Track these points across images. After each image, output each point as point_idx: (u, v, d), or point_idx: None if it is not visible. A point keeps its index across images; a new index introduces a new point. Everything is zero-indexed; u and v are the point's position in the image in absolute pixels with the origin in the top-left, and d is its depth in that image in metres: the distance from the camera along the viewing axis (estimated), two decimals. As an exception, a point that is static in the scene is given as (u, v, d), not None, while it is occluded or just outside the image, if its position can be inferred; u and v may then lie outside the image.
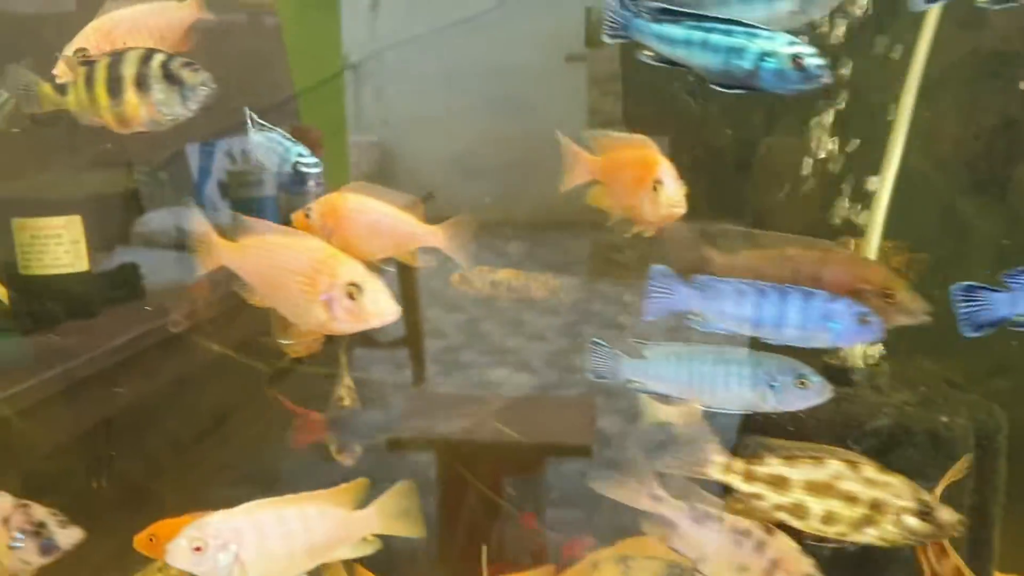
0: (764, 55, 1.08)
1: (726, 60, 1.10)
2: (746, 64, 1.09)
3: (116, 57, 1.13)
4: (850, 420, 1.55)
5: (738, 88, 1.12)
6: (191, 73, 1.13)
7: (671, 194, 1.31)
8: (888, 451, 1.54)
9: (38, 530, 1.22)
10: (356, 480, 1.30)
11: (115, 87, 1.13)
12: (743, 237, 1.31)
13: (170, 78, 1.12)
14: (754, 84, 1.10)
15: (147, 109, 1.12)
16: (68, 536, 1.23)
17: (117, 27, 1.25)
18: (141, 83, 1.12)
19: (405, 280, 3.38)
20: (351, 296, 1.08)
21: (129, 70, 1.11)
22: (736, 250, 1.30)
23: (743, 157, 2.28)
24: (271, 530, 1.19)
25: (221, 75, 2.88)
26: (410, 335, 3.46)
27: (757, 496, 1.23)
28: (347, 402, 1.65)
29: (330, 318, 1.08)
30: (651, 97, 2.09)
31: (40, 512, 1.24)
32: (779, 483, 1.22)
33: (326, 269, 1.09)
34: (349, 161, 3.91)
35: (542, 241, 5.76)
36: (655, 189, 1.30)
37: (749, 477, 1.23)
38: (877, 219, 1.64)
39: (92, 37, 1.23)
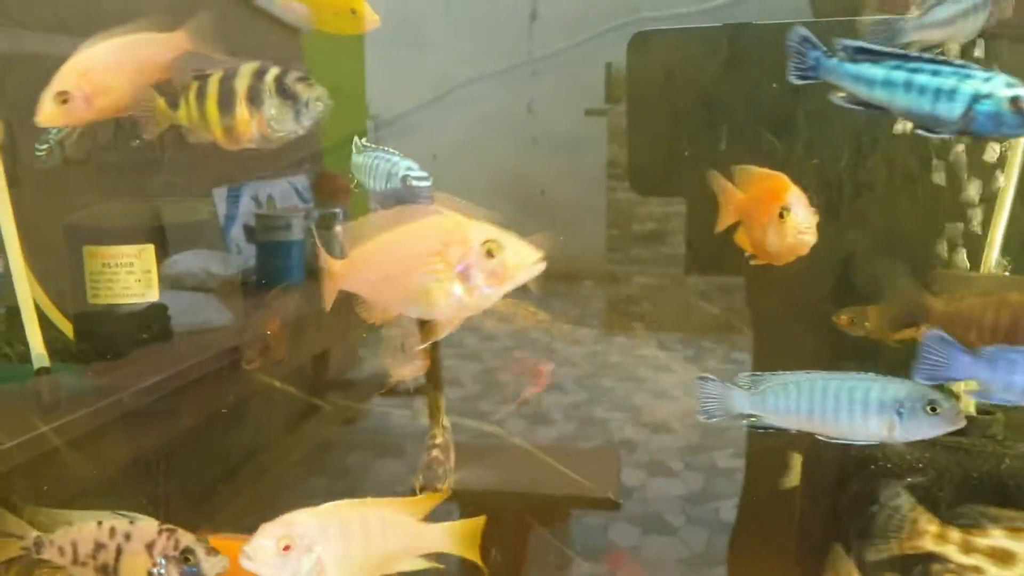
0: (978, 97, 1.02)
1: (934, 103, 1.04)
2: (958, 107, 1.03)
3: (230, 71, 1.11)
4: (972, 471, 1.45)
5: (945, 132, 1.06)
6: (305, 87, 1.10)
7: (800, 221, 1.21)
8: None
9: (185, 556, 1.17)
10: (430, 494, 1.25)
11: (227, 101, 1.11)
12: (961, 282, 1.22)
13: (284, 93, 1.10)
14: (966, 128, 1.04)
15: (258, 125, 1.09)
16: (214, 564, 1.18)
17: (95, 66, 1.18)
18: (253, 98, 1.09)
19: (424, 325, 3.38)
20: (491, 254, 0.99)
21: (242, 84, 1.09)
22: (957, 296, 1.20)
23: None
24: (354, 532, 1.13)
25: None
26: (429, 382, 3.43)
27: (977, 570, 1.13)
28: (439, 440, 1.60)
29: (470, 289, 1.00)
30: (660, 153, 2.03)
31: (187, 538, 1.18)
32: (1003, 557, 1.13)
33: (456, 237, 1.01)
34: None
35: (556, 292, 5.77)
36: (782, 216, 1.22)
37: (967, 548, 1.14)
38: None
39: (70, 78, 1.16)
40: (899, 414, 1.07)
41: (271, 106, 1.08)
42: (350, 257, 1.10)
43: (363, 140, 1.20)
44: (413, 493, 1.56)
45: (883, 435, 1.10)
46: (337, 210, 2.65)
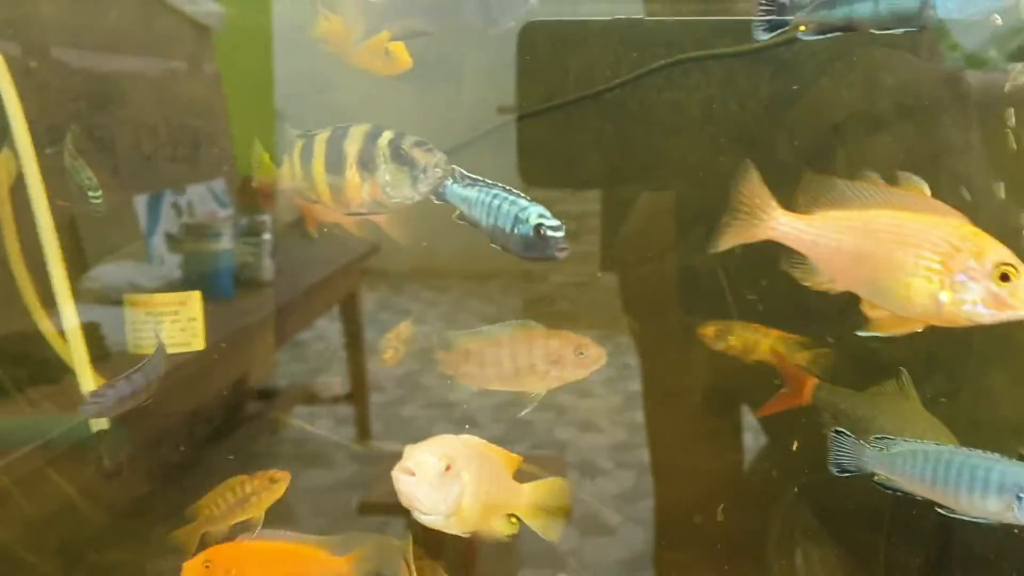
0: None
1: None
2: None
3: (339, 131, 1.06)
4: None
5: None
6: (423, 153, 1.05)
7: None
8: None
9: None
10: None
11: (335, 164, 1.06)
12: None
13: (400, 158, 1.05)
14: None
15: (371, 189, 1.05)
16: None
17: None
18: (366, 162, 1.05)
19: (349, 331, 3.33)
20: (1005, 278, 0.91)
21: (353, 147, 1.04)
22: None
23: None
24: (484, 471, 1.15)
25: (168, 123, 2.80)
26: (355, 390, 3.39)
27: None
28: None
29: (958, 302, 0.94)
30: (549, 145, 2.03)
31: None
32: None
33: (971, 245, 0.93)
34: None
35: (473, 292, 5.77)
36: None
37: None
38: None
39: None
40: (1019, 498, 1.07)
41: (385, 172, 1.04)
42: (818, 215, 1.05)
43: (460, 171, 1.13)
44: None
45: (1002, 515, 1.09)
46: (265, 217, 2.58)
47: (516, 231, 1.04)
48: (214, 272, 2.40)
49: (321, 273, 2.85)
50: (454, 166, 1.08)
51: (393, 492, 2.20)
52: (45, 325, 1.50)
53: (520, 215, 1.04)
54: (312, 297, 2.73)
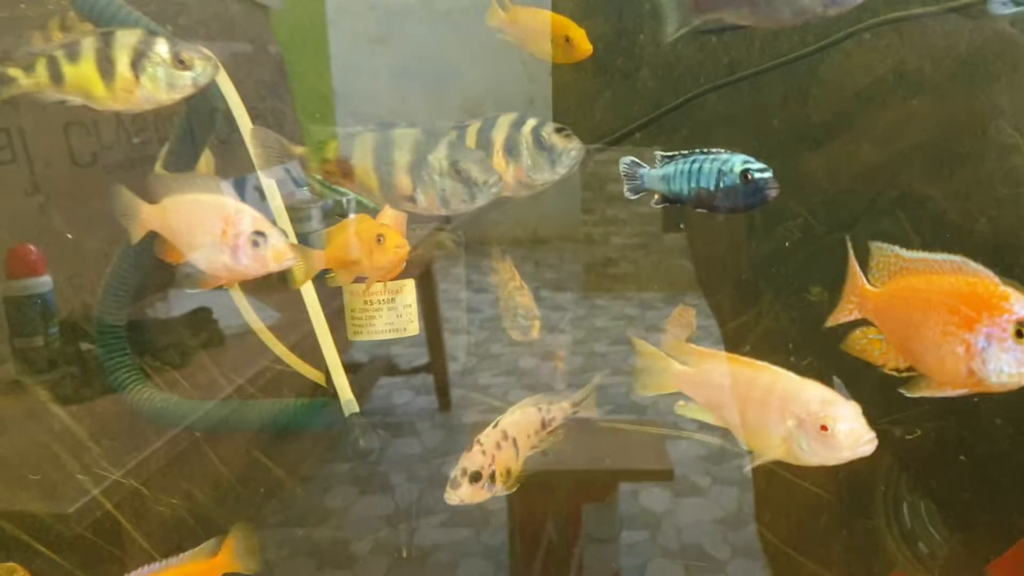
0: None
1: None
2: None
3: (489, 121, 1.10)
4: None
5: None
6: (562, 139, 1.09)
7: None
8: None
9: None
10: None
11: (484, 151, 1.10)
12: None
13: (541, 145, 1.09)
14: None
15: (515, 172, 1.09)
16: None
17: None
18: (511, 148, 1.09)
19: (426, 303, 3.37)
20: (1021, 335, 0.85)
21: (499, 135, 1.08)
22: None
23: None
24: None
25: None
26: (434, 361, 3.45)
27: None
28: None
29: (982, 362, 0.88)
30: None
31: None
32: None
33: (991, 306, 0.87)
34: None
35: (528, 258, 5.80)
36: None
37: None
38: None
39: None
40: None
41: (528, 157, 1.07)
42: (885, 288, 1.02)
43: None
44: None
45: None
46: (349, 196, 2.62)
47: (722, 184, 1.02)
48: (307, 253, 2.43)
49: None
50: (657, 151, 1.09)
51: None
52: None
53: (723, 168, 1.02)
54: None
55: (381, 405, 3.46)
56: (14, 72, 1.02)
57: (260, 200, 2.87)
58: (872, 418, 1.02)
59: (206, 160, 1.55)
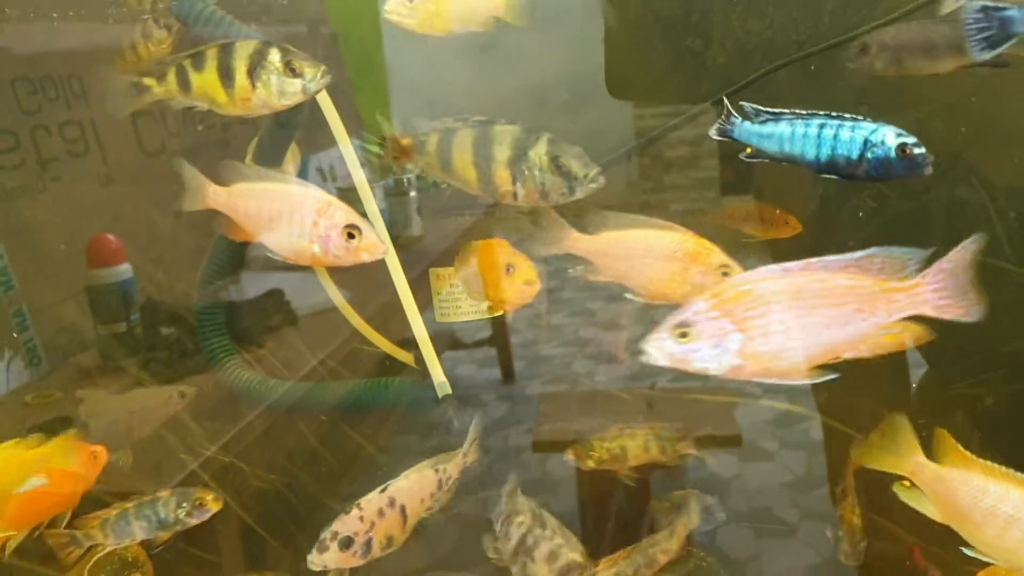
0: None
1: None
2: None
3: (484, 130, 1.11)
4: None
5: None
6: (581, 165, 1.08)
7: None
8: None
9: None
10: None
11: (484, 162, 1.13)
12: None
13: (559, 170, 1.08)
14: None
15: (526, 195, 1.10)
16: None
17: None
18: (517, 172, 1.10)
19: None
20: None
21: (503, 153, 1.09)
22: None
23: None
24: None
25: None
26: (496, 333, 3.48)
27: None
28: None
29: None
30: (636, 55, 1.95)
31: None
32: None
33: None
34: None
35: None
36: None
37: None
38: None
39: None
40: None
41: (542, 180, 1.08)
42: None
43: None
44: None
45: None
46: (409, 174, 2.65)
47: (870, 155, 0.98)
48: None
49: (463, 224, 2.92)
50: (748, 104, 1.06)
51: (558, 430, 2.28)
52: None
53: (872, 138, 0.97)
54: (459, 245, 2.80)
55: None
56: (148, 81, 1.08)
57: (323, 182, 2.93)
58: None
59: (292, 154, 1.58)
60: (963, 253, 0.83)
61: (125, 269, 1.74)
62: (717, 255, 1.05)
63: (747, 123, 1.06)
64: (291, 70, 1.06)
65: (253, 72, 1.05)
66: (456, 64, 5.20)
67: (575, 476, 2.34)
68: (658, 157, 4.76)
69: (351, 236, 1.04)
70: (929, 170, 0.97)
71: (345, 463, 1.78)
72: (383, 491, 1.17)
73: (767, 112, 1.05)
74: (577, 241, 1.16)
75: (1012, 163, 1.39)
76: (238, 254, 1.53)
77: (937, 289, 0.82)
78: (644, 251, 1.09)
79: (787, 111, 1.04)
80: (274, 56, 1.05)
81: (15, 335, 1.74)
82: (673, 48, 1.69)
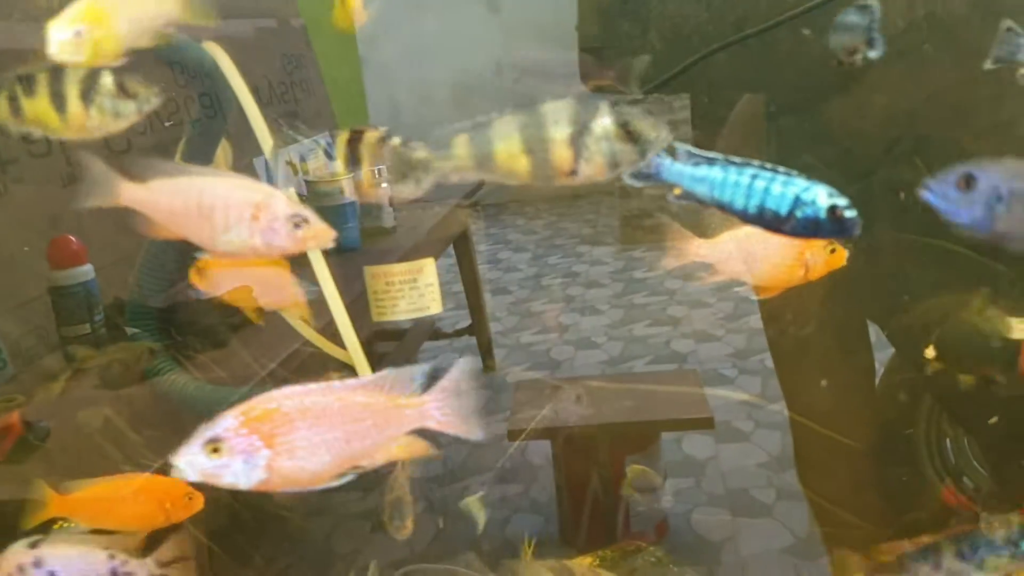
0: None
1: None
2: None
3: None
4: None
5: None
6: (649, 127, 1.04)
7: None
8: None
9: None
10: None
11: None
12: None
13: (628, 134, 1.05)
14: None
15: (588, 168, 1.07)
16: None
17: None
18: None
19: (465, 266, 3.40)
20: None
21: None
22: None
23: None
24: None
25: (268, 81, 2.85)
26: (476, 322, 3.48)
27: None
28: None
29: None
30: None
31: None
32: None
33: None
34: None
35: (566, 215, 5.79)
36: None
37: None
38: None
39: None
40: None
41: (611, 151, 1.03)
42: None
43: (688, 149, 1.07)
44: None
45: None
46: (380, 166, 2.64)
47: (799, 214, 0.97)
48: (342, 225, 2.47)
49: (437, 214, 2.92)
50: (680, 145, 1.04)
51: (534, 417, 2.28)
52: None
53: (803, 196, 0.96)
54: (432, 236, 2.81)
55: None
56: None
57: (292, 174, 2.91)
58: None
59: (223, 150, 1.58)
60: (458, 374, 0.89)
61: (87, 270, 1.73)
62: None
63: (677, 164, 1.04)
64: (124, 92, 1.04)
65: (86, 96, 1.04)
66: (434, 52, 5.20)
67: (552, 463, 2.35)
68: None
69: (297, 226, 1.02)
70: (858, 233, 0.97)
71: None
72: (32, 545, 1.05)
73: (700, 155, 1.03)
74: (700, 248, 1.18)
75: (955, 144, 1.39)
76: (174, 254, 1.50)
77: (439, 407, 0.88)
78: (763, 244, 1.11)
79: (720, 157, 1.03)
80: (106, 79, 1.04)
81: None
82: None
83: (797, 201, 0.95)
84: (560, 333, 3.78)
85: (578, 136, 0.97)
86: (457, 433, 0.91)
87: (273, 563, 2.37)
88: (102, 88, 1.03)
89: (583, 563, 1.36)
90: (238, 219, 1.03)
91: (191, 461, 0.85)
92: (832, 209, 0.95)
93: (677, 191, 1.02)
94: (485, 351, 3.48)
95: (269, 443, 0.87)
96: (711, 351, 3.40)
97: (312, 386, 0.89)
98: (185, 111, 2.70)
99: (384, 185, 2.71)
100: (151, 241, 1.49)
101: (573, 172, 0.98)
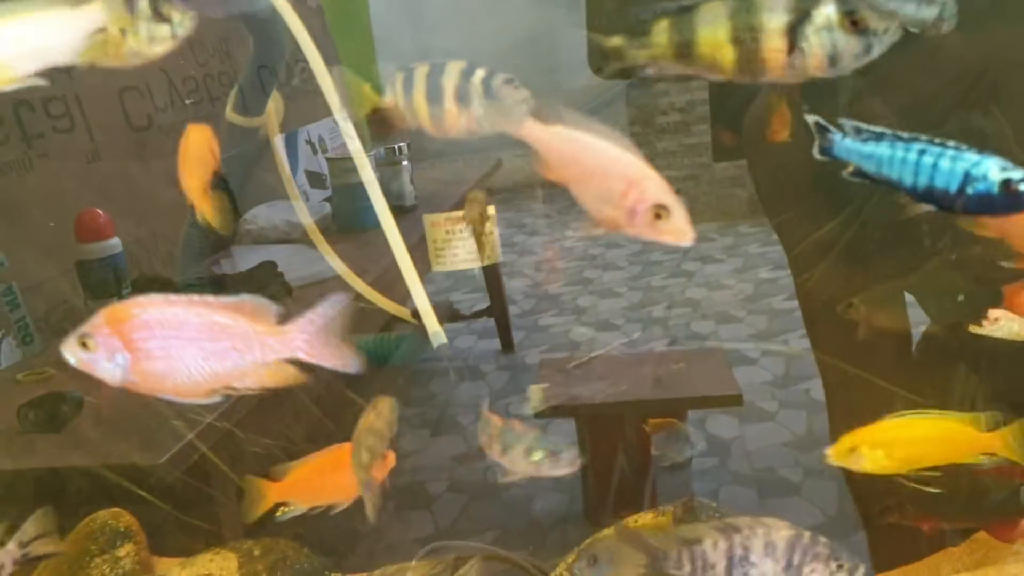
0: None
1: None
2: None
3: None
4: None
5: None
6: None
7: None
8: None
9: None
10: None
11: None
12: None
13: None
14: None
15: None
16: None
17: None
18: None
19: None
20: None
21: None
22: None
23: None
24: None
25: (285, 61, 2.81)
26: (494, 304, 3.46)
27: None
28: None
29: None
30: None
31: None
32: None
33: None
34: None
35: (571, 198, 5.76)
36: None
37: None
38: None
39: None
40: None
41: (833, 42, 0.97)
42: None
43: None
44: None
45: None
46: (401, 144, 2.62)
47: (970, 189, 0.92)
48: (363, 203, 2.45)
49: (457, 193, 2.90)
50: (849, 122, 0.99)
51: (561, 395, 2.26)
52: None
53: (973, 172, 0.91)
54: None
55: (445, 351, 3.50)
56: None
57: (312, 153, 2.90)
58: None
59: (275, 101, 1.56)
60: (328, 309, 0.89)
61: (115, 243, 1.72)
62: None
63: (848, 140, 1.00)
64: (159, 15, 1.02)
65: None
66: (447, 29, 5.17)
67: (576, 439, 2.33)
68: (649, 124, 4.74)
69: (658, 216, 0.99)
70: None
71: (346, 430, 1.75)
72: None
73: (868, 130, 0.98)
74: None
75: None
76: (210, 238, 1.49)
77: (306, 338, 0.88)
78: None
79: (889, 131, 0.97)
80: (142, 2, 1.02)
81: (8, 314, 1.72)
82: None
83: (967, 177, 0.91)
84: (578, 315, 3.77)
85: (796, 25, 0.88)
86: (329, 365, 0.91)
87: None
88: (138, 12, 1.01)
89: (650, 522, 1.30)
90: (610, 190, 1.00)
91: (71, 350, 0.87)
92: (1006, 183, 0.89)
93: (850, 168, 0.97)
94: (503, 333, 3.46)
95: (129, 346, 0.88)
96: (732, 332, 3.38)
97: (174, 297, 0.89)
98: (205, 89, 2.69)
99: (405, 163, 2.70)
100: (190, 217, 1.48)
101: (787, 66, 0.89)
